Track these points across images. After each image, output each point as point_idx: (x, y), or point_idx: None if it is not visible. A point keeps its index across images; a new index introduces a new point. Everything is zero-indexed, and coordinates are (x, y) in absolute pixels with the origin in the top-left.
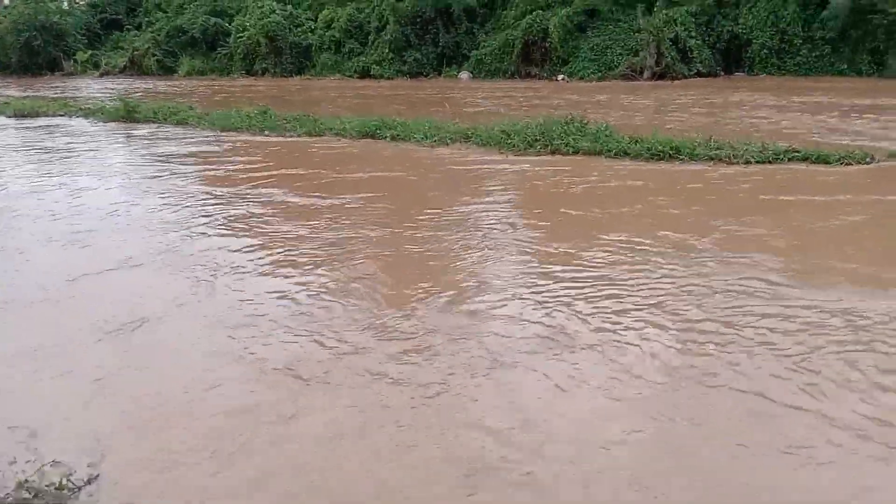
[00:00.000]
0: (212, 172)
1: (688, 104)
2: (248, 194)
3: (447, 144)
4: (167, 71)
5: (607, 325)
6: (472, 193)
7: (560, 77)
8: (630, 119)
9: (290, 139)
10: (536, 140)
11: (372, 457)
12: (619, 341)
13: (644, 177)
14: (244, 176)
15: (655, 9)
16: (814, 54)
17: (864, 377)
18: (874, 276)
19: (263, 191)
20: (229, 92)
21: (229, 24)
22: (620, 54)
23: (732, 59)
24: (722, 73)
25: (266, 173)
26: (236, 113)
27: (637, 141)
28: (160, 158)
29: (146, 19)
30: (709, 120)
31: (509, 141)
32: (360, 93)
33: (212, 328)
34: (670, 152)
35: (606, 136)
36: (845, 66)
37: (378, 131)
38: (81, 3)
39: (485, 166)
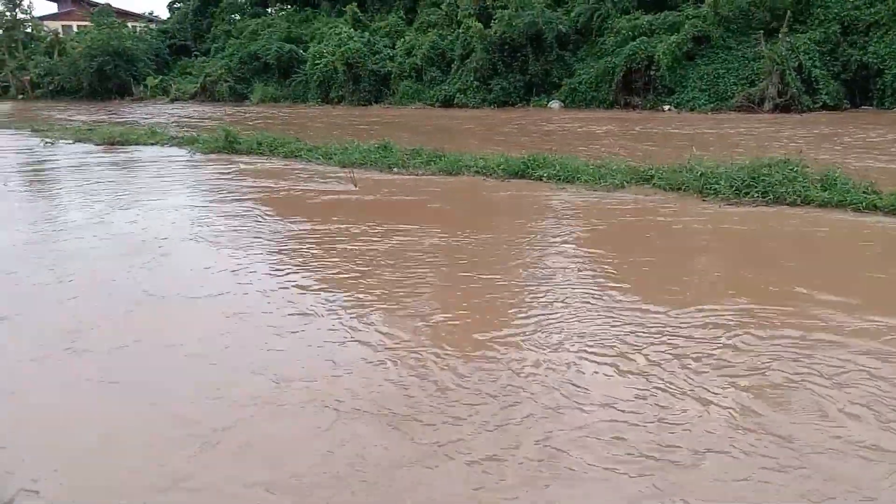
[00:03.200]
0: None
1: (852, 140)
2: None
3: (623, 188)
4: (239, 97)
5: None
6: None
7: (667, 107)
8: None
9: (427, 177)
10: (749, 185)
11: None
12: None
13: None
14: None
15: (779, 36)
16: None
17: None
18: None
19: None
20: (314, 120)
21: (303, 52)
22: (734, 84)
23: (858, 91)
24: (848, 106)
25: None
26: (354, 147)
27: (874, 191)
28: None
29: (214, 45)
30: None
31: (715, 186)
32: (453, 123)
33: None
34: None
35: (844, 184)
36: None
37: (529, 170)
38: (153, 28)
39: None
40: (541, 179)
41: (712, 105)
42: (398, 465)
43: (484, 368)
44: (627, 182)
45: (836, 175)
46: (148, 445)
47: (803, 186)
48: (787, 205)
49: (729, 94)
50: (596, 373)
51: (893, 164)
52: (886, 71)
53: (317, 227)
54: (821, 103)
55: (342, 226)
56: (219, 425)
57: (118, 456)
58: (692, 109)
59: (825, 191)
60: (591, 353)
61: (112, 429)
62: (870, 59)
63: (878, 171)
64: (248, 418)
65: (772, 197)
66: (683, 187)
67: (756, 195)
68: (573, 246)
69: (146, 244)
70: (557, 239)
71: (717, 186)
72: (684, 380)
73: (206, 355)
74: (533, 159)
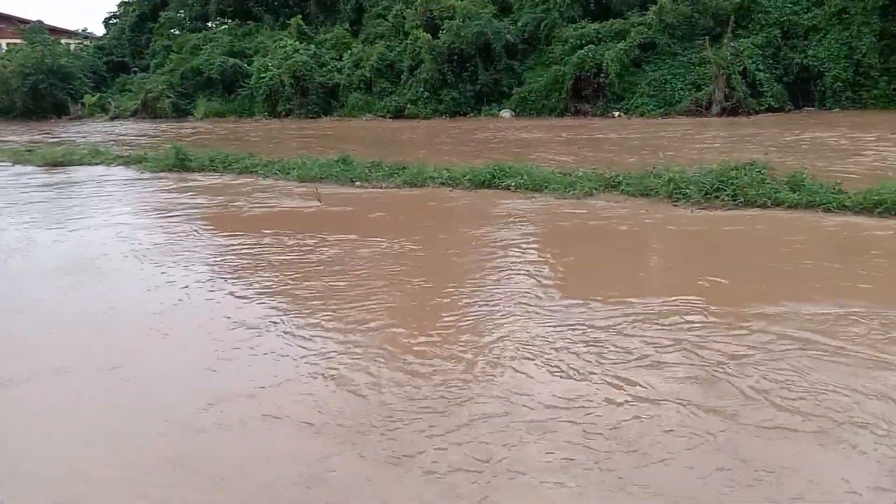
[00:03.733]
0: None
1: (801, 141)
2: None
3: (592, 195)
4: (182, 113)
5: None
6: None
7: (616, 114)
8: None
9: (388, 190)
10: (719, 189)
11: None
12: None
13: None
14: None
15: (723, 41)
16: (892, 86)
17: None
18: None
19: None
20: (262, 134)
21: (248, 65)
22: (682, 89)
23: (800, 92)
24: (791, 108)
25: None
26: (312, 161)
27: (841, 190)
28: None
29: (154, 61)
30: (863, 159)
31: (685, 191)
32: (406, 134)
33: None
34: None
35: (812, 185)
36: None
37: (496, 180)
38: (88, 45)
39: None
40: (508, 189)
41: (661, 110)
42: (355, 479)
43: (433, 373)
44: (596, 189)
45: (804, 177)
46: (91, 469)
47: (772, 189)
48: (759, 207)
49: (677, 98)
50: (542, 372)
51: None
52: (826, 73)
53: (286, 243)
54: (766, 106)
55: (309, 241)
56: (163, 448)
57: (60, 487)
58: (642, 115)
59: (794, 192)
60: (536, 353)
61: (53, 455)
62: (810, 62)
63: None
64: (192, 439)
65: (742, 200)
66: (652, 193)
67: (726, 198)
68: (546, 253)
69: (97, 263)
70: (532, 247)
71: (687, 191)
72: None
73: (145, 376)
74: (499, 168)
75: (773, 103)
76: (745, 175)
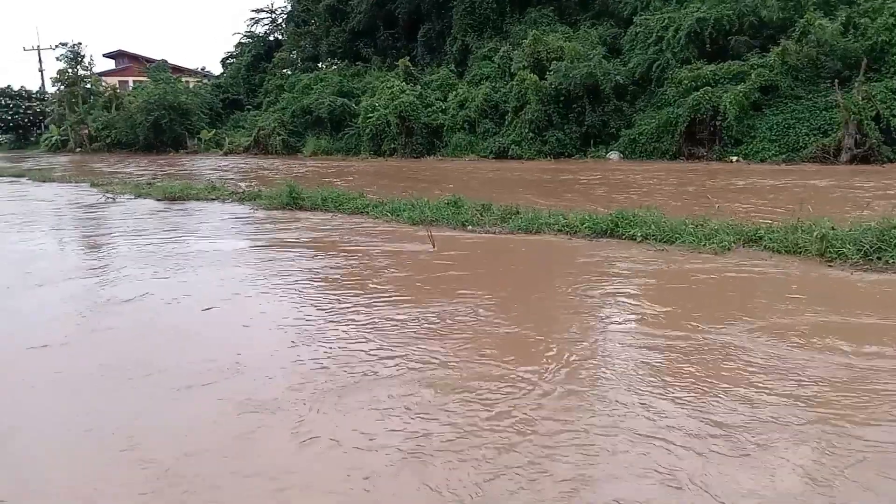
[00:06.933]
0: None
1: None
2: None
3: (730, 250)
4: (291, 150)
5: None
6: None
7: (735, 158)
8: None
9: (503, 236)
10: (881, 250)
11: None
12: None
13: None
14: None
15: (854, 84)
16: None
17: None
18: None
19: None
20: (369, 172)
21: (355, 105)
22: (807, 134)
23: None
24: None
25: None
26: (423, 202)
27: None
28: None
29: (266, 99)
30: None
31: (841, 249)
32: (510, 175)
33: None
34: None
35: None
36: None
37: (619, 229)
38: (206, 83)
39: None
40: (633, 239)
41: (784, 156)
42: None
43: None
44: (734, 243)
45: None
46: None
47: None
48: None
49: (801, 144)
50: None
51: None
52: None
53: (405, 296)
54: None
55: (432, 291)
56: None
57: None
58: (762, 160)
59: None
60: None
61: None
62: None
63: None
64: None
65: None
66: (801, 250)
67: (891, 260)
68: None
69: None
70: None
71: (843, 250)
72: None
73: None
74: (622, 216)
75: None
76: None
